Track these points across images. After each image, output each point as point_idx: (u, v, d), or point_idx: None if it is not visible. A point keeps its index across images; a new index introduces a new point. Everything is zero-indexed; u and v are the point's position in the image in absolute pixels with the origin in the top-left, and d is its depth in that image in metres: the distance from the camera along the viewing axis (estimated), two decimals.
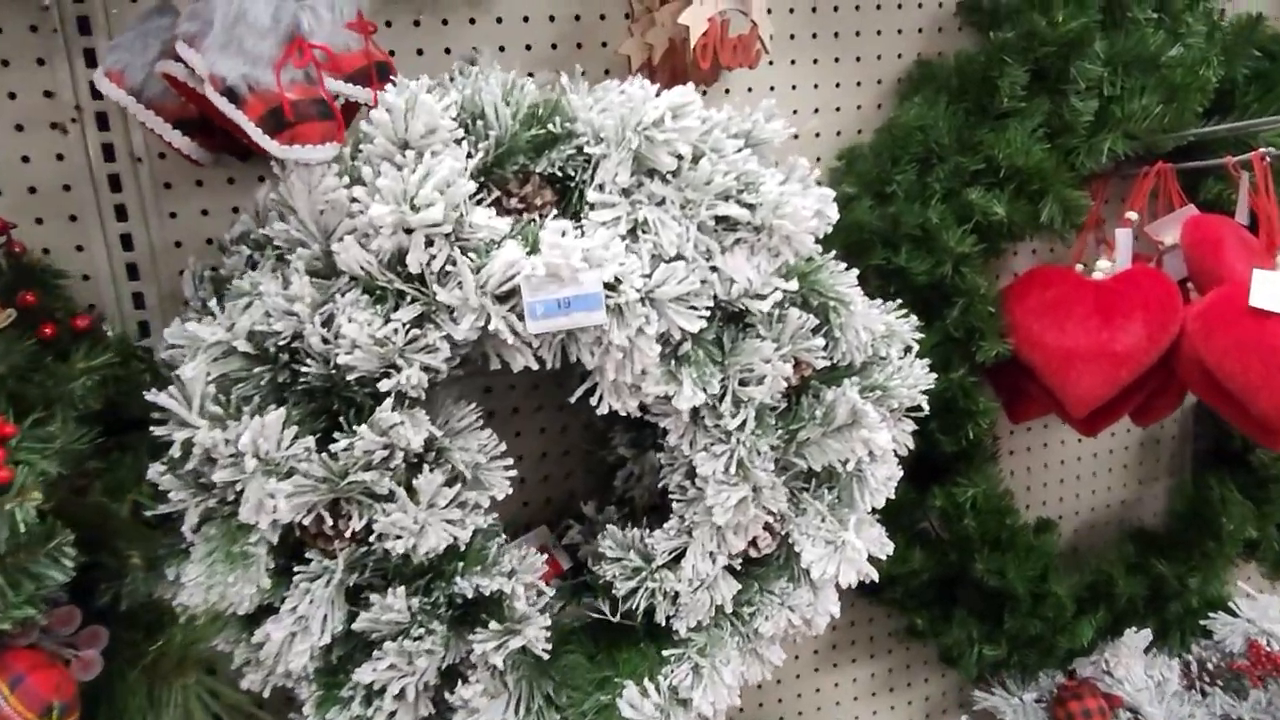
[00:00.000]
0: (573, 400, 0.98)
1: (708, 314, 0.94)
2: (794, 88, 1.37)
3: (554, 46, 1.22)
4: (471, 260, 0.84)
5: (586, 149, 0.91)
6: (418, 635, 0.93)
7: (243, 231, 0.99)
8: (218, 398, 0.83)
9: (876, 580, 1.13)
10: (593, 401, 0.97)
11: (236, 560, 0.85)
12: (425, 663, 0.93)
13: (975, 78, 1.29)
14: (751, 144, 0.96)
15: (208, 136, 0.95)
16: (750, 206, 0.93)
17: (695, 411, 0.99)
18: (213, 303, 0.87)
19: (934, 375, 1.13)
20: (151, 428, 0.84)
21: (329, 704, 0.93)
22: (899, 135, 1.30)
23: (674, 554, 1.07)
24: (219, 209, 1.12)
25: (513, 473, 0.98)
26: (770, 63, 1.33)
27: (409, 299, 0.85)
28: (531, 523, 1.30)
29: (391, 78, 0.89)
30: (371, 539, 0.90)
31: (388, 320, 0.85)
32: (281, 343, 0.85)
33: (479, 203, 0.88)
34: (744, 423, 1.01)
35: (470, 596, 0.95)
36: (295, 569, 0.90)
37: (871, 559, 1.12)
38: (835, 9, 1.37)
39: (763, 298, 0.97)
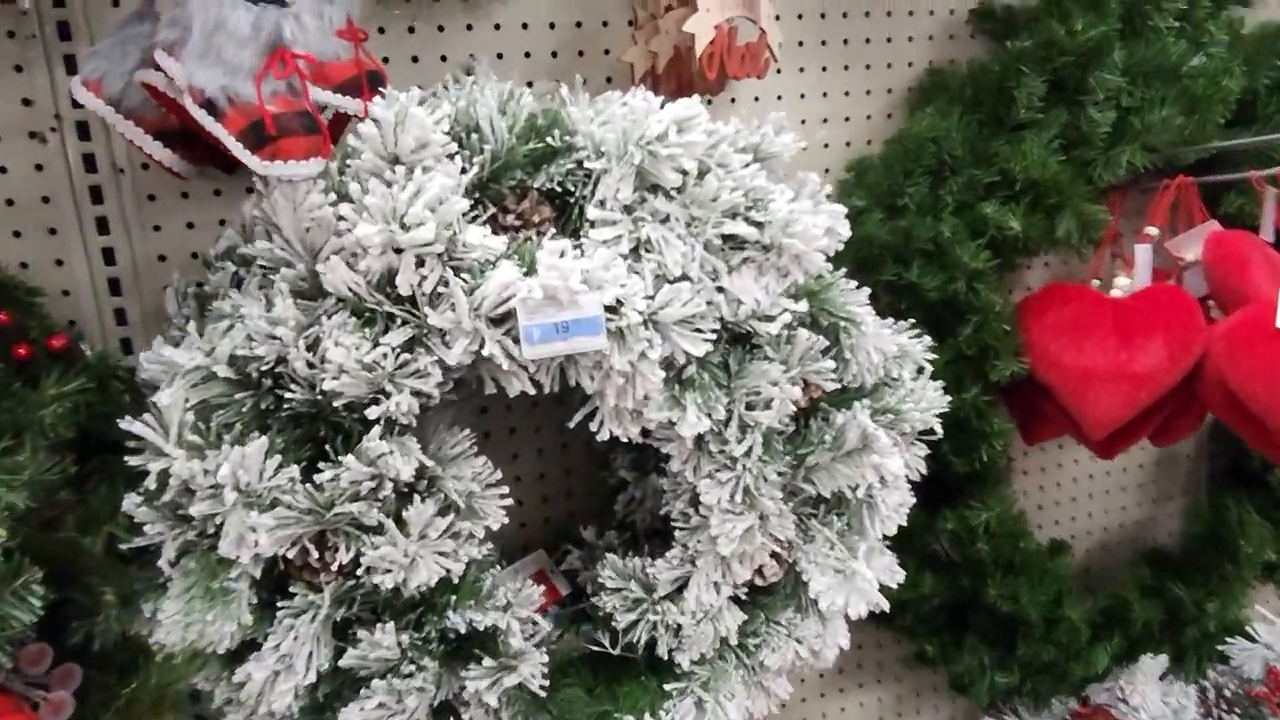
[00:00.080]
0: (572, 425, 0.94)
1: (714, 336, 0.90)
2: (802, 97, 1.32)
3: (554, 54, 1.18)
4: (465, 281, 0.80)
5: (587, 163, 0.87)
6: (408, 672, 0.89)
7: (228, 247, 0.95)
8: (196, 426, 0.79)
9: (887, 609, 1.08)
10: (593, 427, 0.93)
11: (216, 596, 0.80)
12: (416, 701, 0.89)
13: (990, 87, 1.25)
14: (760, 158, 0.91)
15: (190, 148, 0.91)
16: (759, 224, 0.89)
17: (700, 437, 0.95)
18: (191, 326, 0.82)
19: (947, 397, 1.08)
20: (126, 457, 0.79)
21: None
22: (911, 146, 1.25)
23: (677, 584, 1.03)
24: (205, 222, 1.08)
25: (508, 501, 0.93)
26: (778, 71, 1.28)
27: (399, 322, 0.81)
28: (529, 545, 1.25)
29: (383, 87, 0.85)
30: (359, 572, 0.86)
31: (376, 344, 0.80)
32: (264, 367, 0.81)
33: (473, 220, 0.84)
34: (750, 449, 0.96)
35: (463, 631, 0.91)
36: (279, 604, 0.86)
37: (882, 588, 1.08)
38: (844, 15, 1.32)
39: (771, 319, 0.93)
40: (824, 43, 1.32)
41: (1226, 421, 1.21)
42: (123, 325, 1.07)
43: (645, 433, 0.95)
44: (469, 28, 1.14)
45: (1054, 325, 1.25)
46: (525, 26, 1.16)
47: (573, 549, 1.20)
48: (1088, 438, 1.25)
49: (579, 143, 0.87)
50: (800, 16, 1.29)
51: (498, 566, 0.95)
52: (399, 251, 0.77)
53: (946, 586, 1.36)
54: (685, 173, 0.85)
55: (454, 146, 0.82)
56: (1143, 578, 1.54)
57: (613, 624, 1.03)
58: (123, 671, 0.82)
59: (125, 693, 0.81)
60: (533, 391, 0.87)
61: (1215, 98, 1.25)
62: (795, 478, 1.02)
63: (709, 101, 1.21)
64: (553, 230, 0.86)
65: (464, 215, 0.80)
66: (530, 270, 0.81)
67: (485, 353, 0.81)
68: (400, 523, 0.86)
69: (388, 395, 0.82)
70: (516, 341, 0.82)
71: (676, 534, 1.03)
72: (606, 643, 1.05)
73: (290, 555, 0.84)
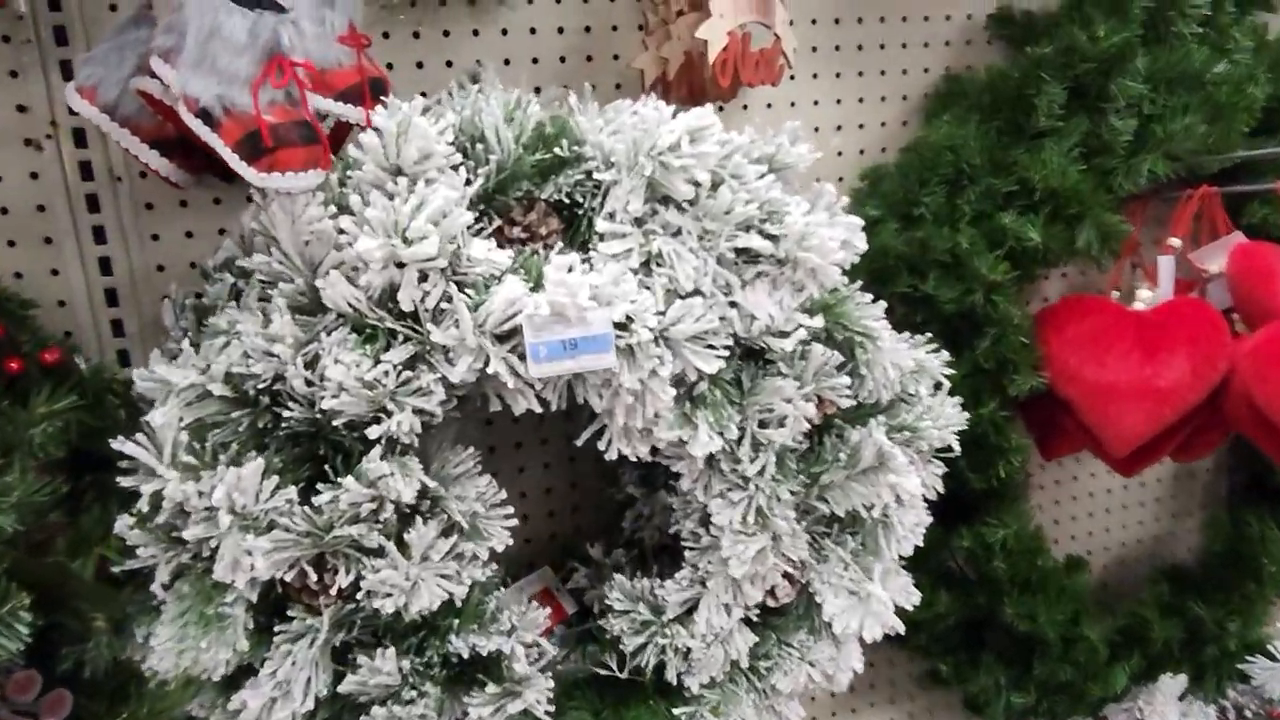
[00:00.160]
0: (579, 443, 0.91)
1: (726, 353, 0.87)
2: (815, 103, 1.29)
3: (562, 60, 1.15)
4: (469, 297, 0.77)
5: (596, 174, 0.84)
6: (409, 699, 0.86)
7: (227, 258, 0.92)
8: (191, 445, 0.76)
9: (903, 632, 1.05)
10: (601, 446, 0.90)
11: (211, 622, 0.78)
12: None
13: (1009, 95, 1.22)
14: (775, 169, 0.88)
15: (188, 157, 0.88)
16: (773, 238, 0.86)
17: (711, 455, 0.92)
18: (186, 343, 0.79)
19: (966, 414, 1.05)
20: (119, 478, 0.76)
21: None
22: (927, 155, 1.22)
23: (686, 606, 1.00)
24: (204, 231, 1.05)
25: (513, 522, 0.90)
26: (791, 77, 1.25)
27: (401, 339, 0.78)
28: (534, 561, 1.23)
29: (386, 95, 0.82)
30: (359, 596, 0.83)
31: (377, 361, 0.77)
32: (262, 385, 0.78)
33: (478, 233, 0.81)
34: (763, 468, 0.93)
35: (466, 656, 0.88)
36: (276, 628, 0.83)
37: (898, 608, 1.05)
38: (859, 20, 1.29)
39: (785, 335, 0.90)
40: (838, 48, 1.29)
41: (1253, 439, 1.18)
42: (120, 337, 1.05)
43: (654, 450, 0.92)
44: (475, 33, 1.11)
45: (1074, 338, 1.22)
46: (533, 31, 1.13)
47: (579, 567, 1.17)
48: (1110, 455, 1.22)
49: (588, 153, 0.84)
50: (814, 21, 1.27)
51: (502, 587, 0.92)
52: (401, 266, 0.74)
53: (962, 604, 1.33)
54: (698, 184, 0.82)
55: (458, 157, 0.79)
56: (1162, 595, 1.50)
57: (620, 646, 1.00)
58: (114, 699, 0.80)
59: None
60: (539, 410, 0.84)
61: (1239, 105, 1.22)
62: (809, 496, 0.99)
63: (721, 109, 1.18)
64: (560, 244, 0.83)
65: (468, 228, 0.77)
66: (537, 285, 0.78)
67: (490, 370, 0.78)
68: (401, 545, 0.83)
69: (389, 414, 0.79)
70: (522, 359, 0.79)
71: (686, 554, 1.00)
72: (614, 665, 1.02)
73: (288, 578, 0.81)
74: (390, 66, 1.06)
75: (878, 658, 1.52)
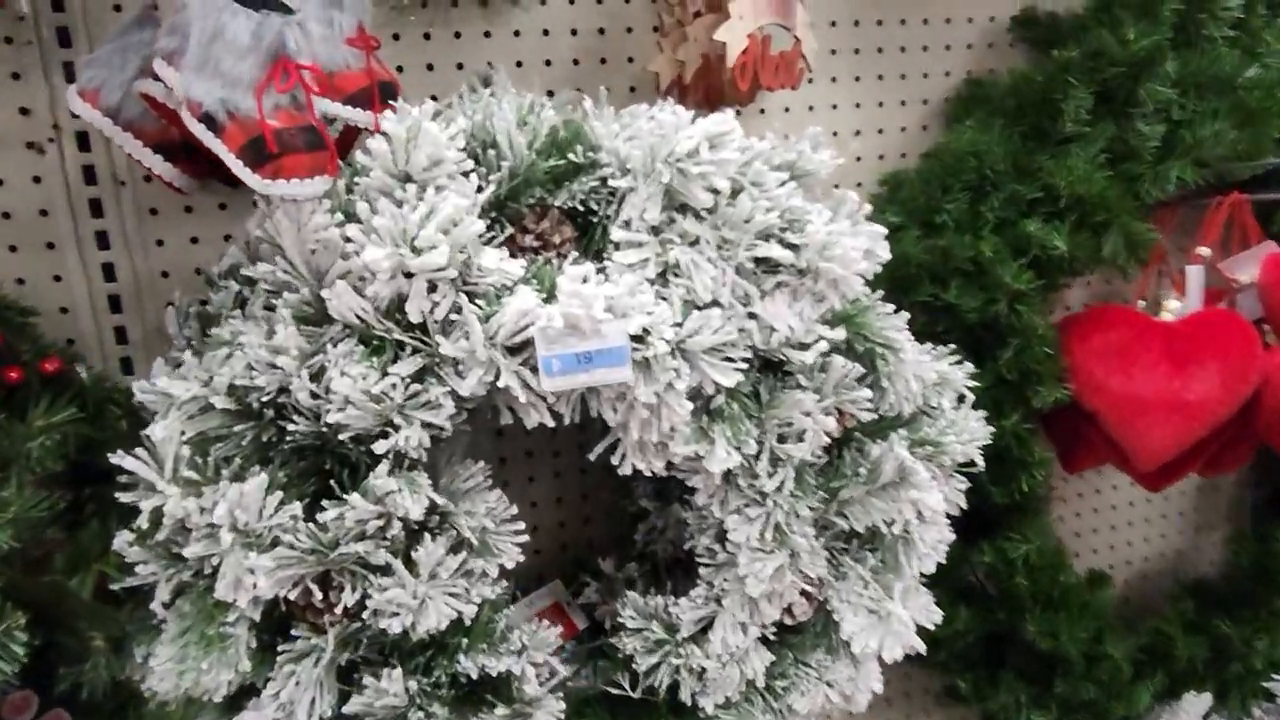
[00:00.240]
0: (592, 457, 0.88)
1: (745, 366, 0.84)
2: (834, 107, 1.27)
3: (576, 62, 1.13)
4: (479, 308, 0.74)
5: (611, 181, 0.81)
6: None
7: (232, 265, 0.90)
8: (193, 460, 0.74)
9: (924, 652, 1.02)
10: (614, 460, 0.87)
11: (213, 642, 0.75)
12: None
13: (1034, 99, 1.18)
14: (796, 176, 0.85)
15: (192, 162, 0.86)
16: (794, 247, 0.83)
17: (728, 470, 0.89)
18: (188, 355, 0.77)
19: (990, 428, 1.02)
20: (118, 494, 0.74)
21: None
22: (950, 161, 1.19)
23: (701, 625, 0.97)
24: (210, 237, 1.03)
25: (524, 538, 0.88)
26: (809, 81, 1.23)
27: (409, 350, 0.75)
28: (545, 574, 1.20)
29: (396, 99, 0.80)
30: (366, 615, 0.80)
31: (385, 374, 0.75)
32: (266, 398, 0.76)
33: (489, 241, 0.78)
34: (782, 483, 0.90)
35: (475, 677, 0.86)
36: (280, 647, 0.81)
37: (917, 627, 1.02)
38: (879, 23, 1.26)
39: (806, 347, 0.87)
40: (857, 51, 1.26)
41: None
42: (123, 344, 1.03)
43: (669, 465, 0.90)
44: (487, 34, 1.08)
45: (1100, 349, 1.19)
46: (546, 33, 1.11)
47: (590, 581, 1.14)
48: (1136, 470, 1.19)
49: (603, 159, 0.81)
50: (833, 24, 1.24)
51: (512, 609, 0.90)
52: (409, 276, 0.72)
53: (982, 621, 1.30)
54: (717, 192, 0.80)
55: (469, 163, 0.76)
56: (1186, 612, 1.47)
57: (633, 665, 0.98)
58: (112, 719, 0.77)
59: None
60: (552, 424, 0.82)
61: (1271, 110, 1.18)
62: (827, 512, 0.96)
63: (737, 113, 1.15)
64: (575, 253, 0.81)
65: (479, 236, 0.75)
66: (550, 296, 0.75)
67: (501, 384, 0.76)
68: (409, 562, 0.80)
69: (396, 428, 0.76)
70: (534, 372, 0.77)
71: (701, 571, 0.97)
72: (626, 685, 0.99)
73: (292, 596, 0.79)
74: (400, 69, 1.04)
75: (894, 674, 1.48)
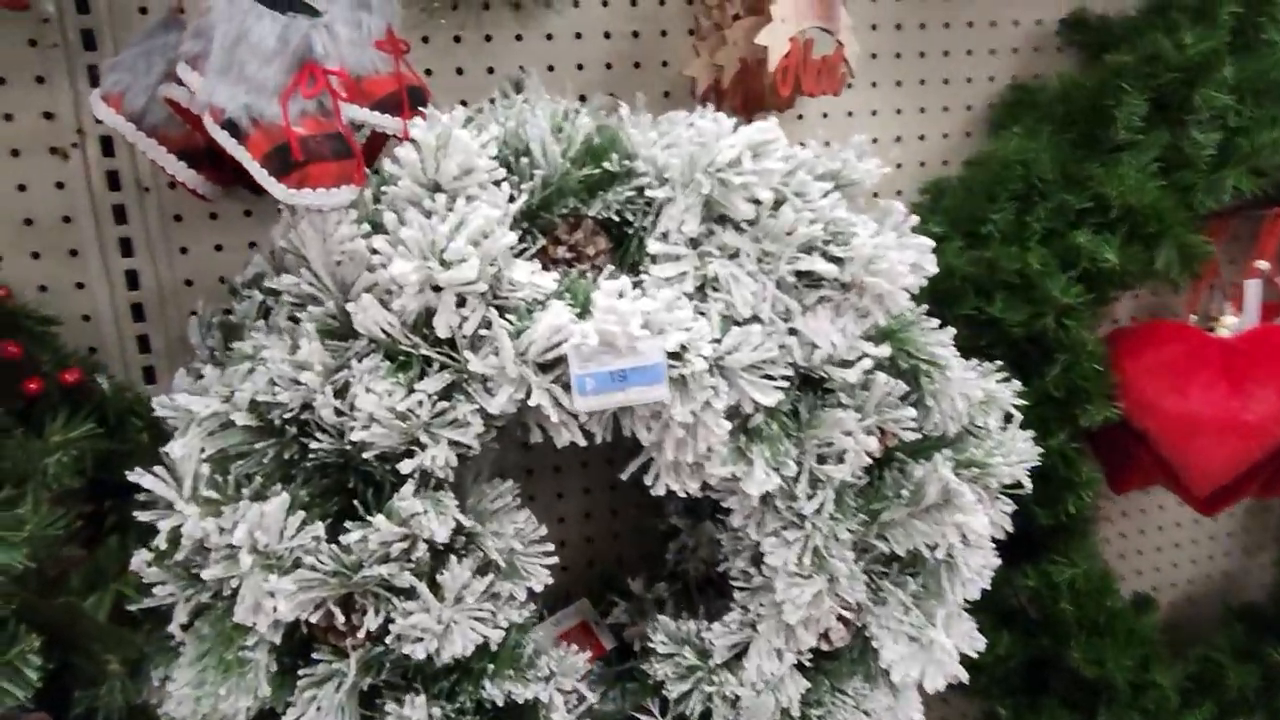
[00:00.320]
0: (624, 477, 0.85)
1: (785, 384, 0.80)
2: (874, 113, 1.23)
3: (609, 66, 1.10)
4: (510, 324, 0.71)
5: (649, 191, 0.78)
6: None
7: (256, 274, 0.88)
8: (212, 478, 0.71)
9: (966, 681, 0.98)
10: (647, 481, 0.84)
11: (232, 667, 0.73)
12: None
13: (1085, 105, 1.14)
14: (840, 186, 0.82)
15: (216, 169, 0.84)
16: (838, 261, 0.79)
17: (765, 491, 0.86)
18: (209, 370, 0.74)
19: (1038, 448, 0.98)
20: (137, 512, 0.72)
21: None
22: (996, 169, 1.15)
23: (735, 651, 0.93)
24: (234, 244, 1.01)
25: (553, 560, 0.85)
26: (849, 86, 1.19)
27: (436, 366, 0.73)
28: (572, 591, 1.17)
29: (425, 105, 0.77)
30: (389, 639, 0.78)
31: (411, 391, 0.72)
32: (288, 415, 0.73)
33: (521, 253, 0.75)
34: (821, 506, 0.87)
35: (501, 704, 0.82)
36: (301, 671, 0.78)
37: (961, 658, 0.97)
38: (922, 26, 1.22)
39: (849, 365, 0.83)
40: (899, 55, 1.22)
41: None
42: (146, 353, 1.01)
43: (705, 485, 0.86)
44: (518, 38, 1.06)
45: (1153, 367, 1.14)
46: (579, 36, 1.08)
47: (619, 601, 1.11)
48: (1189, 493, 1.14)
49: (640, 168, 0.78)
50: (874, 27, 1.20)
51: (540, 633, 0.86)
52: (437, 290, 0.69)
53: (1024, 645, 1.25)
54: (759, 203, 0.76)
55: (501, 172, 0.73)
56: (1236, 638, 1.41)
57: (664, 691, 0.94)
58: None
59: None
60: (583, 443, 0.78)
61: None
62: (867, 534, 0.92)
63: (770, 118, 1.12)
64: (611, 267, 0.77)
65: (511, 249, 0.72)
66: (584, 311, 0.72)
67: (532, 402, 0.72)
68: (434, 585, 0.77)
69: (423, 447, 0.73)
70: (567, 389, 0.74)
71: (736, 595, 0.94)
72: (656, 711, 0.96)
73: (313, 619, 0.76)
74: (429, 73, 1.01)
75: (931, 699, 1.43)
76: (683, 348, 0.73)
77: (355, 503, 0.77)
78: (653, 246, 0.77)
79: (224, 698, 0.72)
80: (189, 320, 0.90)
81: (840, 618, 0.95)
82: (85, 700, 0.72)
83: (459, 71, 1.04)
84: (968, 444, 0.96)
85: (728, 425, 0.78)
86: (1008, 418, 0.99)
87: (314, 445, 0.74)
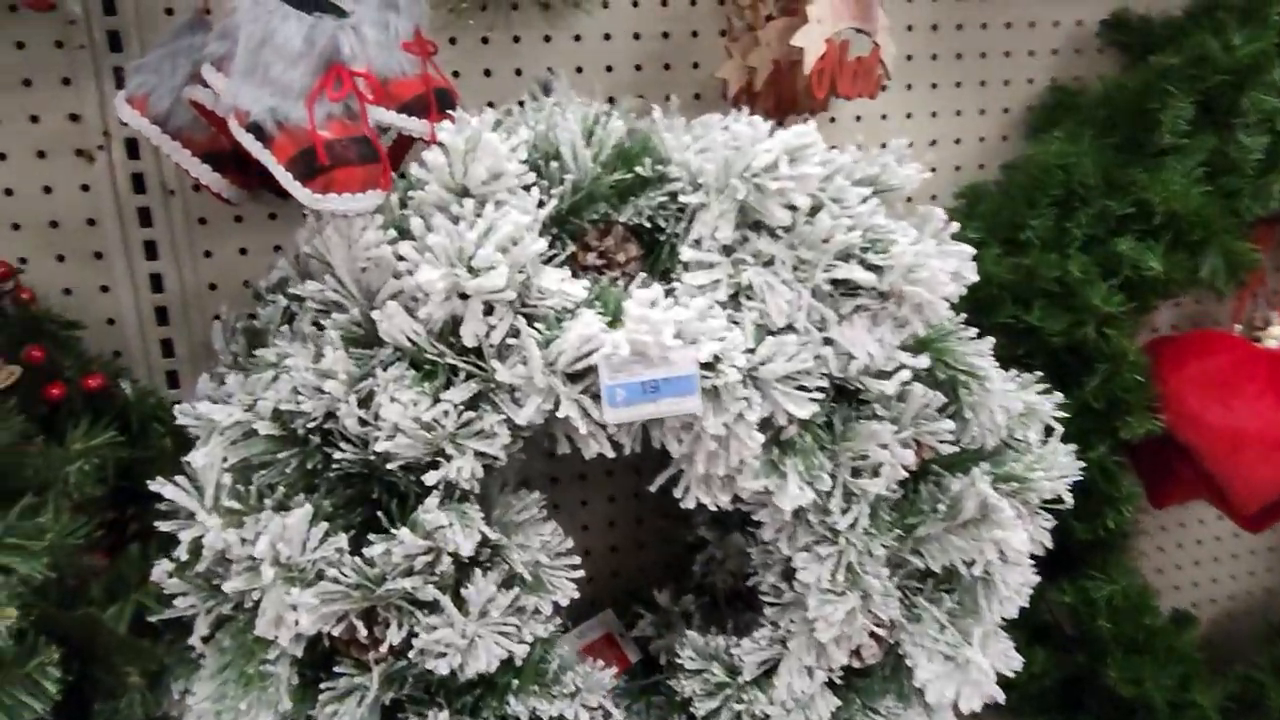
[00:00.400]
0: (653, 489, 0.83)
1: (820, 395, 0.78)
2: (909, 116, 1.20)
3: (638, 68, 1.08)
4: (539, 332, 0.69)
5: (682, 197, 0.76)
6: None
7: (280, 279, 0.86)
8: (235, 489, 0.70)
9: (1003, 701, 0.95)
10: (677, 494, 0.82)
11: (252, 681, 0.71)
12: None
13: (1128, 108, 1.11)
14: (879, 191, 0.79)
15: (241, 173, 0.82)
16: (876, 269, 0.77)
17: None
18: (232, 379, 0.73)
19: (1080, 462, 0.95)
20: (158, 522, 0.70)
21: None
22: (1036, 173, 1.12)
23: (764, 668, 0.91)
24: (259, 247, 1.00)
25: (579, 573, 0.83)
26: (883, 88, 1.16)
27: (463, 376, 0.71)
28: (596, 602, 1.15)
29: (453, 108, 0.75)
30: (412, 653, 0.76)
31: (437, 400, 0.70)
32: (311, 424, 0.71)
33: (550, 259, 0.73)
34: (855, 521, 0.84)
35: None
36: (323, 684, 0.77)
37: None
38: (959, 27, 1.19)
39: (886, 376, 0.81)
40: (935, 57, 1.19)
41: None
42: (169, 357, 1.00)
43: (735, 498, 0.84)
44: (547, 39, 1.04)
45: (1197, 378, 1.10)
46: (608, 37, 1.06)
47: (645, 613, 1.09)
48: (1234, 509, 1.10)
49: (673, 172, 0.76)
50: (910, 28, 1.17)
51: (565, 648, 0.84)
52: (465, 298, 0.67)
53: (1059, 663, 1.22)
54: (795, 209, 0.74)
55: (531, 176, 0.71)
56: (1278, 656, 1.37)
57: (691, 709, 0.92)
58: None
59: None
60: (612, 454, 0.76)
61: None
62: (901, 549, 0.90)
63: (806, 121, 1.10)
64: (643, 274, 0.75)
65: (540, 255, 0.70)
66: (615, 320, 0.70)
67: (560, 413, 0.70)
68: (458, 599, 0.76)
69: (448, 458, 0.72)
70: (596, 400, 0.72)
71: (766, 610, 0.91)
72: None
73: (335, 632, 0.74)
74: (456, 74, 1.00)
75: (962, 716, 1.40)
76: (716, 358, 0.71)
77: (379, 513, 0.75)
78: (685, 253, 0.74)
79: (245, 711, 0.71)
80: (213, 325, 0.89)
81: (873, 634, 0.92)
82: (105, 713, 0.71)
83: (486, 73, 1.02)
84: (1007, 457, 0.93)
85: (761, 438, 0.76)
86: (1048, 430, 0.96)
87: (337, 455, 0.73)
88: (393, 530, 0.71)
